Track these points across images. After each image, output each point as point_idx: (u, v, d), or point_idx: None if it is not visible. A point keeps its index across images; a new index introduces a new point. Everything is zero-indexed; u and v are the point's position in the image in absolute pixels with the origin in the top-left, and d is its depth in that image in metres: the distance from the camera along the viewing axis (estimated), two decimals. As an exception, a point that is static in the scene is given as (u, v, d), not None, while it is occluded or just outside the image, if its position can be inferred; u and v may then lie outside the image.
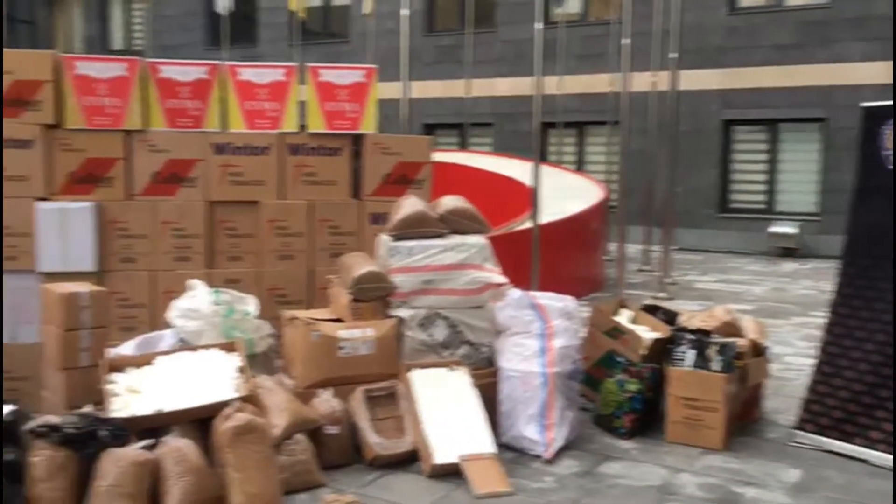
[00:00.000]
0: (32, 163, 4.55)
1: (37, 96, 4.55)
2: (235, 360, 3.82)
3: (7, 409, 3.37)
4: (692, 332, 4.44)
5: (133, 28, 19.54)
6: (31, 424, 3.27)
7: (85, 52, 16.34)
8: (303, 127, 5.09)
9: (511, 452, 4.04)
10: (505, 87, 14.87)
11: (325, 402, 3.90)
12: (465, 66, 13.75)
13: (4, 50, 4.51)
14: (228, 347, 3.93)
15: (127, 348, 4.02)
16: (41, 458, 3.10)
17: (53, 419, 3.29)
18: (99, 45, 19.17)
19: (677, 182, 10.91)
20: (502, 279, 4.45)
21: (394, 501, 3.52)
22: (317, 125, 5.05)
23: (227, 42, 13.63)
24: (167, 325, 4.22)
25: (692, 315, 4.83)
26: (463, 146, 14.83)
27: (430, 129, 15.66)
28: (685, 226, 13.38)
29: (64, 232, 4.55)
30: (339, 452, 3.83)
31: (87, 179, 4.66)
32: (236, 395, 3.57)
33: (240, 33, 16.21)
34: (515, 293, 4.32)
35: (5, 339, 4.44)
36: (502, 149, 14.44)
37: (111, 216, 4.69)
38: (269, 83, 5.02)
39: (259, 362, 4.26)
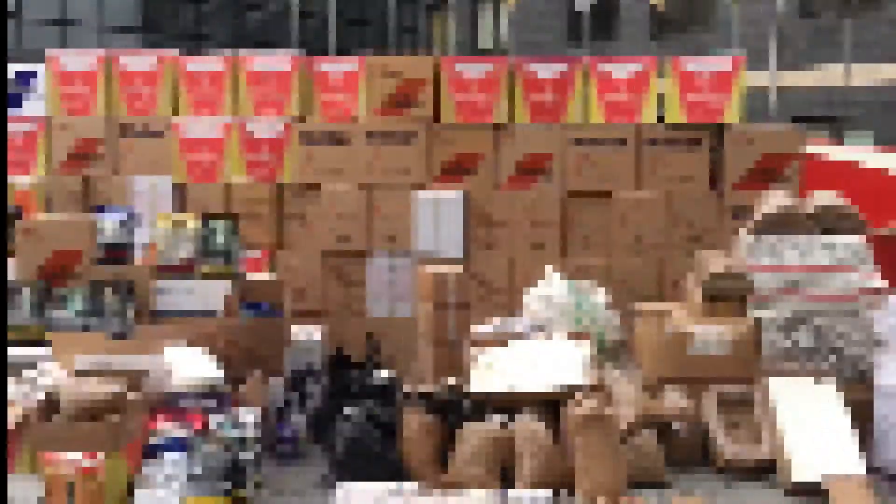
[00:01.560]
0: (414, 155, 5.05)
1: (419, 95, 5.06)
2: (585, 349, 3.90)
3: (385, 374, 3.82)
4: None
5: (499, 28, 20.77)
6: (405, 390, 3.68)
7: (457, 54, 17.73)
8: (661, 119, 5.03)
9: (886, 480, 3.61)
10: (891, 72, 13.25)
11: (674, 399, 3.82)
12: (844, 50, 12.51)
13: (393, 56, 5.08)
14: (579, 336, 4.02)
15: (486, 328, 4.30)
16: (413, 421, 3.46)
17: (424, 387, 3.67)
18: (469, 46, 20.68)
19: None
20: (882, 284, 4.01)
21: (745, 513, 3.34)
22: (675, 117, 4.98)
23: (586, 37, 13.91)
24: (523, 310, 4.44)
25: None
26: (838, 138, 13.52)
27: (800, 119, 14.49)
28: None
29: (437, 219, 4.99)
30: (686, 452, 3.73)
31: (458, 170, 5.05)
32: (586, 383, 3.64)
33: (599, 28, 16.41)
34: (898, 301, 3.86)
35: (385, 313, 5.01)
36: (886, 142, 12.90)
37: (477, 205, 5.03)
38: (627, 76, 5.05)
39: (608, 353, 4.29)
